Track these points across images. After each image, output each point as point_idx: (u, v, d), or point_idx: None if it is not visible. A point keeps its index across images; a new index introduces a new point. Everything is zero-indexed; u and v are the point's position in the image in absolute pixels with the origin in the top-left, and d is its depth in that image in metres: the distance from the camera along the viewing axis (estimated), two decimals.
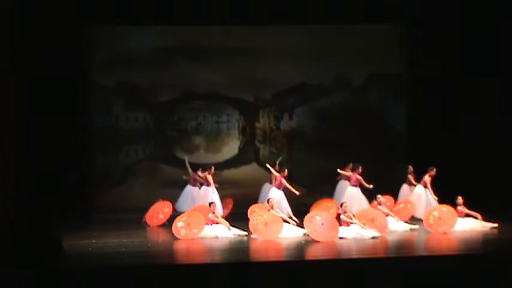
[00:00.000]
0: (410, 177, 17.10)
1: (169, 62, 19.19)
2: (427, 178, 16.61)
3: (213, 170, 17.03)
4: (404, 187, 17.23)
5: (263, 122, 19.79)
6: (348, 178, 16.98)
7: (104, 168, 19.14)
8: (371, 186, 16.52)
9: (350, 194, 16.60)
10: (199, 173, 17.22)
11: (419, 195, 16.60)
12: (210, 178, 16.80)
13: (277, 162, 17.63)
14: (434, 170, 16.61)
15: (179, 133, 19.62)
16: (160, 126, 19.53)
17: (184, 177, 17.44)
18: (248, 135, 19.73)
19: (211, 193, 16.64)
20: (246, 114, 19.70)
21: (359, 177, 16.66)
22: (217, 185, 16.90)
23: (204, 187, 16.98)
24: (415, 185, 16.87)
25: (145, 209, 16.96)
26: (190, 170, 17.29)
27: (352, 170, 16.88)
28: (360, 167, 16.74)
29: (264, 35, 19.26)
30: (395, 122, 19.71)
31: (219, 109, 19.66)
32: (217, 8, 18.10)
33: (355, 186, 16.71)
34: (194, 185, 17.35)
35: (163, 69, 19.19)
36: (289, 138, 19.77)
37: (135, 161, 19.44)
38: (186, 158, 17.65)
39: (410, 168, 17.24)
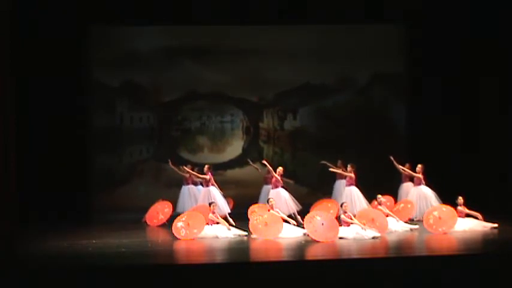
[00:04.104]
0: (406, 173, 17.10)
1: (173, 62, 19.25)
2: (419, 176, 16.64)
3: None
4: (404, 186, 17.22)
5: (267, 122, 19.85)
6: (344, 177, 16.96)
7: (107, 168, 19.21)
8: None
9: (347, 194, 16.58)
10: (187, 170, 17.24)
11: (417, 196, 16.60)
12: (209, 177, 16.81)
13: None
14: (420, 166, 16.61)
15: (183, 133, 19.70)
16: (164, 126, 19.61)
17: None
18: (252, 135, 19.79)
19: (212, 192, 16.67)
20: (249, 114, 19.77)
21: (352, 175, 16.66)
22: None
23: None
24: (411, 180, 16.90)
25: (148, 209, 17.01)
26: None
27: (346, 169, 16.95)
28: (349, 166, 16.71)
29: (268, 35, 19.32)
30: (396, 122, 19.74)
31: (222, 109, 19.74)
32: (220, 8, 18.13)
33: (350, 185, 16.69)
34: (195, 184, 17.37)
35: (167, 69, 19.25)
36: (293, 138, 19.82)
37: (139, 161, 19.51)
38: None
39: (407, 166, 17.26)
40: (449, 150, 18.24)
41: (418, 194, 16.52)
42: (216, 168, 19.07)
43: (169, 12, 18.16)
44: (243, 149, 19.77)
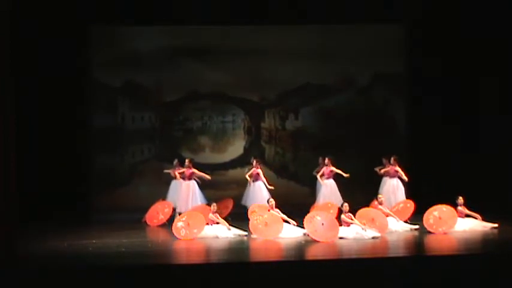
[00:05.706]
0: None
1: (175, 62, 19.26)
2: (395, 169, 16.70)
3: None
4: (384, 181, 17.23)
5: (268, 122, 19.87)
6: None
7: (108, 168, 19.22)
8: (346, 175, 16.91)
9: (327, 185, 17.00)
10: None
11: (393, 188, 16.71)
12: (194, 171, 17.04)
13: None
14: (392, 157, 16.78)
15: (185, 133, 19.73)
16: (166, 126, 19.63)
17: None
18: (253, 135, 19.82)
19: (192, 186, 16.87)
20: (251, 114, 19.79)
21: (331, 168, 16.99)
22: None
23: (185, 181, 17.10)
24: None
25: (148, 209, 17.01)
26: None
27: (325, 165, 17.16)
28: (326, 159, 17.03)
29: (269, 35, 19.32)
30: (397, 122, 19.74)
31: (224, 109, 19.76)
32: (222, 7, 18.14)
33: (329, 178, 17.04)
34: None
35: (168, 69, 19.25)
36: (295, 138, 19.84)
37: (140, 161, 19.52)
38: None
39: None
40: (449, 150, 18.23)
41: (391, 185, 16.62)
42: (217, 168, 19.19)
43: (169, 12, 18.16)
44: (245, 149, 19.79)
